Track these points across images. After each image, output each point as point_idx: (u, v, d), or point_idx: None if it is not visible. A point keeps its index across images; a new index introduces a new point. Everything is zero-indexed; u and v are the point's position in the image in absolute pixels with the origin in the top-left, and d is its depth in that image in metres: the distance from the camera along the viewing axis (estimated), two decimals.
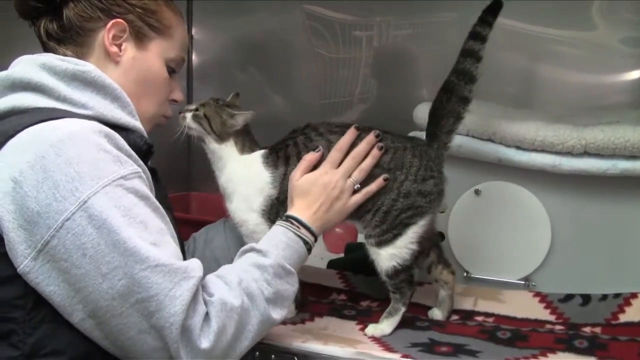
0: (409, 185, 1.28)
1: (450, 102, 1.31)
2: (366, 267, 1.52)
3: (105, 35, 1.11)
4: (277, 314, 1.09)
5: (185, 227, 1.41)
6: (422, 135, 1.43)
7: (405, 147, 1.31)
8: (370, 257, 1.33)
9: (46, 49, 1.14)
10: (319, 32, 2.15)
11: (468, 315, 1.42)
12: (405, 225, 1.29)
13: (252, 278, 1.06)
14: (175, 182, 2.04)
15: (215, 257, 1.37)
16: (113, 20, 1.11)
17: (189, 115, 1.32)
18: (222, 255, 1.36)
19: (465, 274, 1.52)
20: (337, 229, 1.97)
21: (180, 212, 1.80)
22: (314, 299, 1.53)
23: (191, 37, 2.33)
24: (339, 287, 1.60)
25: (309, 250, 1.21)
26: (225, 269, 1.08)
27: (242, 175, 1.33)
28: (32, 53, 1.10)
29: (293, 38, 2.23)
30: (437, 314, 1.42)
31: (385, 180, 1.28)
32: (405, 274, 1.31)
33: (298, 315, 1.41)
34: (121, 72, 1.13)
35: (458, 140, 1.45)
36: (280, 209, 1.31)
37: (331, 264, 1.75)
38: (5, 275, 0.91)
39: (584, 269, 1.44)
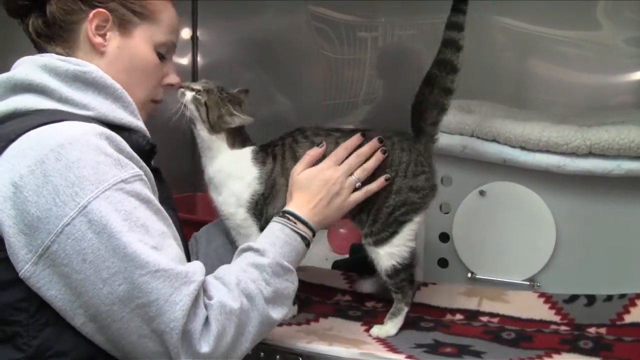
0: (400, 182, 1.29)
1: (433, 94, 1.31)
2: (371, 268, 1.52)
3: (88, 26, 1.09)
4: (277, 313, 1.08)
5: (191, 228, 1.42)
6: None
7: (392, 142, 1.31)
8: (370, 258, 1.34)
9: (37, 48, 1.13)
10: (324, 32, 2.16)
11: (472, 315, 1.42)
12: (400, 223, 1.30)
13: (250, 278, 1.06)
14: (180, 183, 2.05)
15: (218, 255, 1.37)
16: (95, 11, 1.09)
17: (189, 95, 1.30)
18: (224, 253, 1.36)
19: (469, 275, 1.52)
20: (342, 230, 1.97)
21: (185, 213, 1.81)
22: (318, 299, 1.54)
23: (196, 37, 2.34)
24: (343, 288, 1.60)
25: (308, 245, 1.20)
26: (223, 270, 1.07)
27: (233, 170, 1.33)
28: (33, 54, 1.10)
29: (298, 39, 2.23)
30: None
31: (386, 180, 1.28)
32: (405, 272, 1.32)
33: (303, 316, 1.42)
34: (108, 62, 1.11)
35: (463, 141, 1.45)
36: (264, 206, 1.33)
37: (336, 265, 1.75)
38: (8, 279, 0.91)
39: (589, 270, 1.43)
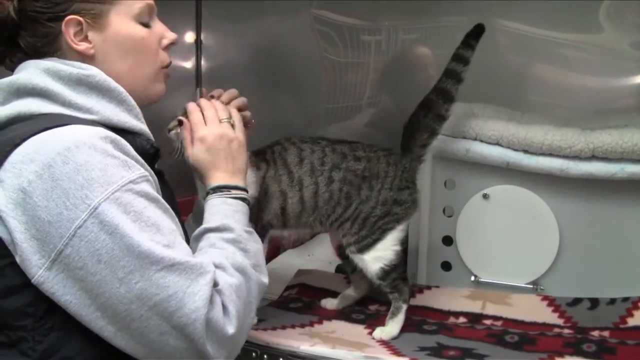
0: (386, 194, 1.34)
1: (427, 117, 1.37)
2: None
3: (67, 39, 1.05)
4: (264, 277, 1.11)
5: None
6: None
7: (378, 157, 1.36)
8: (359, 266, 1.37)
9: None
10: (328, 36, 2.16)
11: (476, 318, 1.43)
12: (383, 231, 1.34)
13: (232, 253, 1.07)
14: (183, 186, 2.05)
15: None
16: (64, 22, 1.04)
17: (173, 133, 1.28)
18: None
19: (473, 278, 1.52)
20: None
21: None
22: None
23: (200, 41, 2.34)
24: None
25: (248, 204, 1.20)
26: (205, 255, 1.06)
27: None
28: None
29: (302, 42, 2.23)
30: (332, 303, 1.51)
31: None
32: (395, 272, 1.35)
33: (306, 319, 1.43)
34: (102, 60, 1.09)
35: (466, 144, 1.46)
36: (258, 211, 1.34)
37: (339, 269, 1.75)
38: (16, 284, 0.91)
39: (592, 273, 1.43)
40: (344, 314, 1.45)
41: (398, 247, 1.35)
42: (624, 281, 1.40)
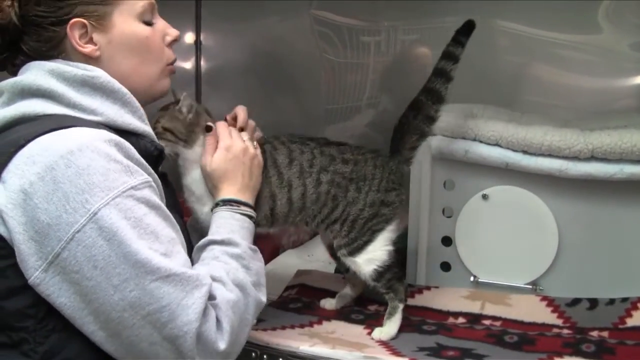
0: (374, 195, 1.34)
1: (417, 119, 1.37)
2: None
3: (72, 42, 1.06)
4: (263, 295, 1.11)
5: None
6: (428, 140, 1.45)
7: (366, 159, 1.36)
8: (351, 269, 1.37)
9: None
10: (327, 37, 2.16)
11: (475, 319, 1.43)
12: (373, 232, 1.34)
13: (234, 268, 1.07)
14: None
15: None
16: (68, 25, 1.04)
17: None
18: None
19: (472, 278, 1.52)
20: None
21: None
22: None
23: (200, 42, 2.35)
24: None
25: (255, 223, 1.22)
26: (204, 267, 1.06)
27: None
28: None
29: (301, 43, 2.24)
30: (331, 303, 1.50)
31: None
32: (389, 272, 1.35)
33: (306, 319, 1.43)
34: (107, 61, 1.09)
35: (465, 145, 1.46)
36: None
37: (339, 269, 1.75)
38: (17, 286, 0.92)
39: (592, 273, 1.44)
40: (343, 315, 1.46)
41: (390, 247, 1.35)
42: (623, 282, 1.40)
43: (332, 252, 1.43)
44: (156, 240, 0.94)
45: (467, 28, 1.36)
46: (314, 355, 1.25)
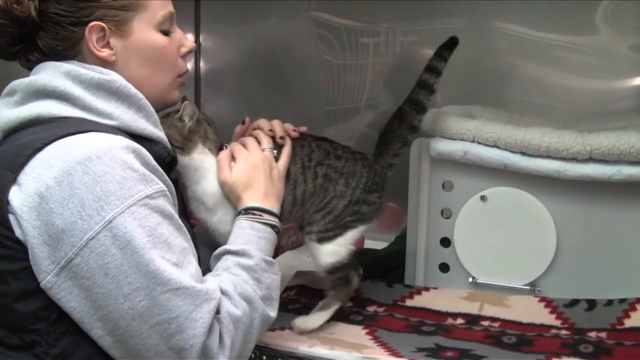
0: (359, 194, 1.35)
1: (400, 128, 1.40)
2: (373, 272, 1.53)
3: (89, 45, 1.05)
4: (272, 311, 1.10)
5: None
6: (427, 141, 1.46)
7: (355, 157, 1.38)
8: (309, 254, 1.38)
9: None
10: (326, 38, 2.16)
11: (474, 320, 1.43)
12: (346, 228, 1.35)
13: (243, 281, 1.07)
14: None
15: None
16: (87, 27, 1.04)
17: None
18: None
19: (471, 279, 1.52)
20: None
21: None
22: None
23: (199, 44, 2.35)
24: None
25: (278, 232, 1.21)
26: (215, 278, 1.06)
27: None
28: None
29: (300, 45, 2.24)
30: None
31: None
32: (343, 272, 1.36)
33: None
34: (123, 66, 1.08)
35: (464, 146, 1.46)
36: None
37: None
38: (30, 288, 0.92)
39: (590, 274, 1.44)
40: (342, 316, 1.46)
41: (353, 247, 1.36)
42: (621, 282, 1.41)
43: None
44: (169, 250, 0.94)
45: (451, 44, 1.39)
46: (312, 356, 1.25)
